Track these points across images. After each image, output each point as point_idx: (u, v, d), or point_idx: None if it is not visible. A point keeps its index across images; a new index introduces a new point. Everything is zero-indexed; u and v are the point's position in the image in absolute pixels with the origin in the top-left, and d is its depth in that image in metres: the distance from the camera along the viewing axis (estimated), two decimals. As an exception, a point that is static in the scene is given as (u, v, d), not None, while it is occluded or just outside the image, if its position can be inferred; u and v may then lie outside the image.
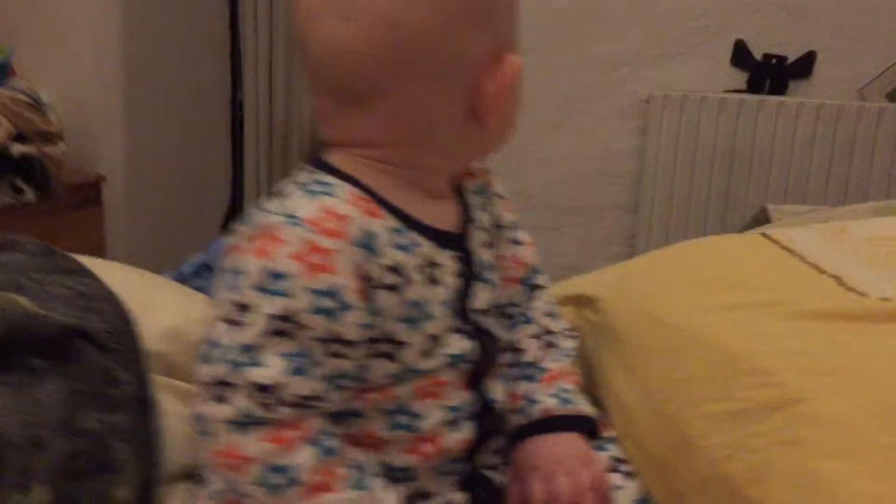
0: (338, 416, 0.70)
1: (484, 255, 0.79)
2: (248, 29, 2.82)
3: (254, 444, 0.63)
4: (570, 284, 1.08)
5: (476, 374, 0.77)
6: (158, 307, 0.97)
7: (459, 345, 0.74)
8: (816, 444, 0.73)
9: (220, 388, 0.64)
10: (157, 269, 1.18)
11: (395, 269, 0.68)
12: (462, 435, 0.75)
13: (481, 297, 0.77)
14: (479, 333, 0.76)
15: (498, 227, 0.85)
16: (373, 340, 0.68)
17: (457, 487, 0.78)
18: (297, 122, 2.78)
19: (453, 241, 0.75)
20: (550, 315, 0.90)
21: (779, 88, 2.40)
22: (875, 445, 0.72)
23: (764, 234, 1.06)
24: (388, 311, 0.68)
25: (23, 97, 2.23)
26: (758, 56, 2.40)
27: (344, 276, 0.64)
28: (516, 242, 0.89)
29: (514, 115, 0.76)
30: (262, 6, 2.78)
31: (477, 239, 0.79)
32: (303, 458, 0.64)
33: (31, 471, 0.70)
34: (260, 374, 0.63)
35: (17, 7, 2.43)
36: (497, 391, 0.80)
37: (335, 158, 0.73)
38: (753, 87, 2.41)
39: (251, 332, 0.63)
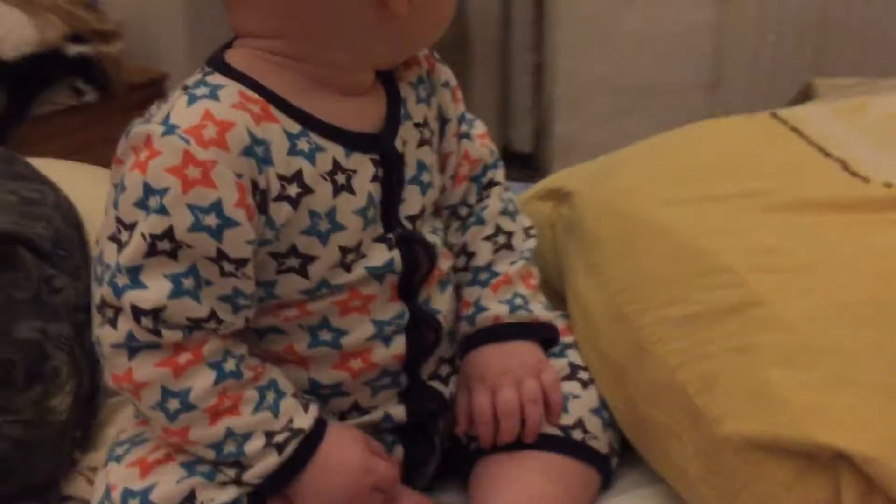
0: (257, 333, 0.69)
1: (418, 154, 0.73)
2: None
3: (146, 369, 0.62)
4: (555, 177, 0.99)
5: (407, 284, 0.72)
6: None
7: (381, 255, 0.69)
8: (769, 351, 0.67)
9: (108, 311, 0.62)
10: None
11: (294, 179, 0.63)
12: (393, 350, 0.72)
13: (411, 202, 0.72)
14: (406, 241, 0.71)
15: (444, 120, 0.78)
16: (279, 255, 0.65)
17: (397, 399, 0.74)
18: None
19: (372, 142, 0.68)
20: (507, 213, 0.83)
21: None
22: (835, 351, 0.65)
23: (773, 114, 0.93)
24: (292, 224, 0.64)
25: (76, -4, 2.25)
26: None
27: (226, 191, 0.60)
28: (467, 137, 0.81)
29: (439, 4, 0.68)
30: None
31: (408, 137, 0.72)
32: (199, 382, 0.62)
33: None
34: (140, 297, 0.60)
35: None
36: (438, 301, 0.75)
37: (234, 55, 0.67)
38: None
39: (131, 251, 0.60)
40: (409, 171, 0.72)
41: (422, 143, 0.73)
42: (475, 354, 0.78)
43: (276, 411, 0.65)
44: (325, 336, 0.69)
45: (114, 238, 0.61)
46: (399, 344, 0.72)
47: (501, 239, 0.81)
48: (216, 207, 0.60)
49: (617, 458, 0.78)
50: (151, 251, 0.60)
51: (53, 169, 0.99)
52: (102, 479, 0.67)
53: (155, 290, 0.60)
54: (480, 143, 0.82)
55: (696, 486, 0.69)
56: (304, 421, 0.66)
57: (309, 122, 0.65)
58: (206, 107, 0.61)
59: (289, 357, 0.69)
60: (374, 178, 0.68)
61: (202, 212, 0.59)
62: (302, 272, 0.66)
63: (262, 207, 0.62)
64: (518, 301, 0.79)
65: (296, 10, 0.63)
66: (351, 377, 0.71)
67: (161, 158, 0.59)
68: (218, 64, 0.66)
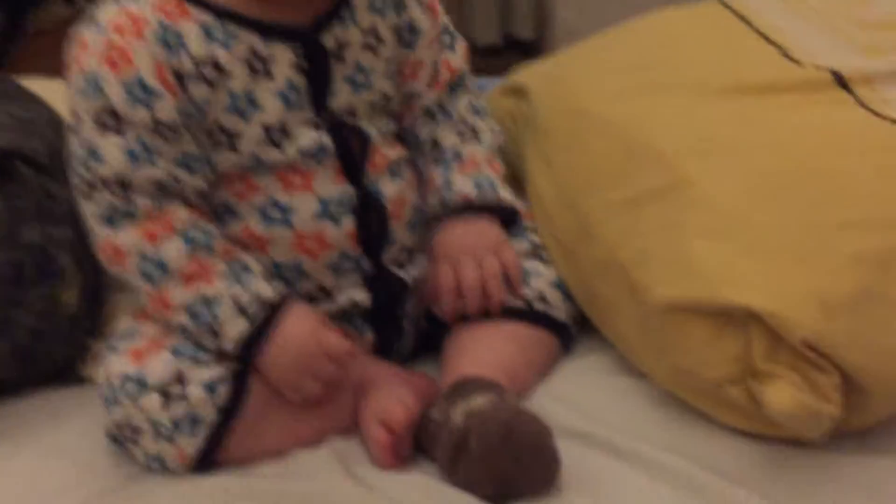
0: (217, 217, 0.77)
1: (359, 56, 0.78)
2: None
3: (125, 237, 0.72)
4: (516, 74, 1.03)
5: (351, 167, 0.78)
6: None
7: (309, 136, 0.76)
8: (694, 226, 0.74)
9: (85, 188, 0.73)
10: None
11: (208, 62, 0.72)
12: (344, 230, 0.77)
13: (340, 96, 0.78)
14: (336, 127, 0.77)
15: (414, 31, 0.83)
16: (209, 132, 0.74)
17: (361, 285, 0.80)
18: None
19: (292, 34, 0.75)
20: (476, 112, 0.88)
21: None
22: (750, 223, 0.72)
23: (720, 1, 0.97)
24: (212, 103, 0.73)
25: None
26: None
27: (145, 67, 0.70)
28: (450, 48, 0.87)
29: None
30: None
31: (349, 38, 0.77)
32: (171, 249, 0.72)
33: None
34: (105, 168, 0.71)
35: None
36: (386, 186, 0.80)
37: None
38: None
39: (85, 133, 0.72)
40: (345, 69, 0.77)
41: (365, 47, 0.78)
42: (441, 233, 0.83)
43: (244, 284, 0.73)
44: (275, 214, 0.76)
45: (71, 129, 0.73)
46: (349, 224, 0.78)
47: (468, 132, 0.86)
48: (140, 81, 0.70)
49: (576, 326, 0.85)
50: (100, 128, 0.71)
51: (43, 88, 1.05)
52: (103, 369, 0.76)
53: (114, 159, 0.71)
54: (460, 55, 0.88)
55: (636, 349, 0.78)
56: (269, 292, 0.73)
57: (225, 16, 0.73)
58: (124, 7, 0.72)
59: (249, 241, 0.76)
60: (297, 68, 0.75)
61: (130, 86, 0.70)
62: (231, 147, 0.74)
63: (182, 86, 0.72)
64: (484, 182, 0.84)
65: None
66: (311, 258, 0.77)
67: (90, 50, 0.71)
68: None
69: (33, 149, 0.90)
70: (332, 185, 0.77)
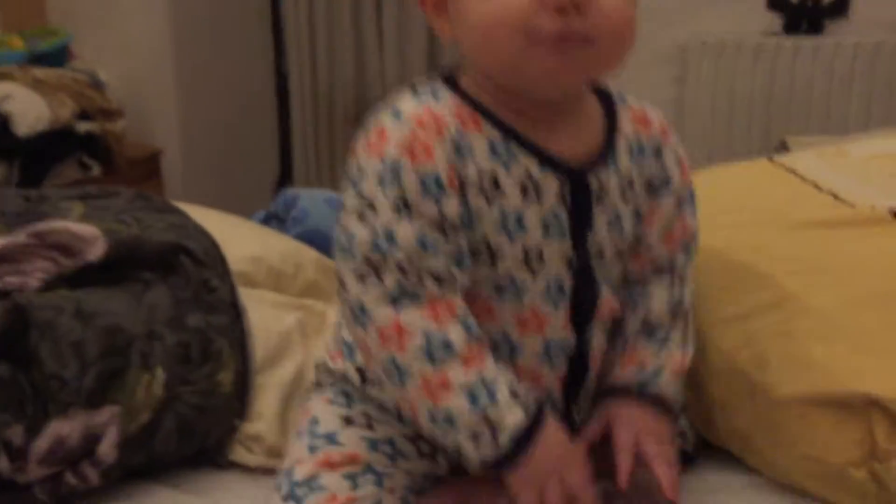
0: None
1: (617, 202, 0.79)
2: (289, 6, 2.91)
3: (410, 317, 0.71)
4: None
5: (577, 315, 0.78)
6: (239, 238, 1.16)
7: (559, 268, 0.76)
8: (807, 332, 0.84)
9: (369, 271, 0.72)
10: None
11: (489, 177, 0.73)
12: (556, 372, 0.79)
13: (600, 235, 0.78)
14: (582, 272, 0.78)
15: (666, 181, 0.82)
16: (474, 246, 0.74)
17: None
18: (341, 88, 2.87)
19: (563, 168, 0.76)
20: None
21: (815, 29, 2.40)
22: (858, 329, 0.83)
23: (769, 159, 1.12)
24: (485, 217, 0.74)
25: (83, 77, 2.37)
26: (793, -2, 2.40)
27: (442, 166, 0.72)
28: (689, 207, 0.85)
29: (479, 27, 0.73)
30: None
31: (609, 181, 0.78)
32: (455, 333, 0.71)
33: (151, 356, 0.87)
34: (399, 251, 0.71)
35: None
36: (596, 341, 0.80)
37: (464, 76, 0.78)
38: (790, 29, 2.42)
39: (383, 218, 0.71)
40: (605, 211, 0.78)
41: (622, 192, 0.79)
42: (631, 405, 0.81)
43: (507, 374, 0.73)
44: (504, 349, 0.77)
45: (358, 213, 0.72)
46: (561, 368, 0.79)
47: (682, 322, 0.84)
48: (436, 178, 0.71)
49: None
50: (396, 214, 0.71)
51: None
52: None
53: (407, 240, 0.71)
54: (693, 219, 0.86)
55: (756, 446, 0.85)
56: (529, 391, 0.73)
57: (511, 135, 0.75)
58: (426, 102, 0.74)
59: None
60: (560, 198, 0.76)
61: (426, 179, 0.71)
62: (491, 263, 0.75)
63: (462, 191, 0.73)
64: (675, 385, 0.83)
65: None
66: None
67: (391, 139, 0.72)
68: (447, 78, 0.77)
69: (191, 246, 0.99)
70: (560, 331, 0.78)
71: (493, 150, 0.74)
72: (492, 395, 0.71)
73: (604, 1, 0.70)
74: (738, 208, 1.02)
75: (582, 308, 0.78)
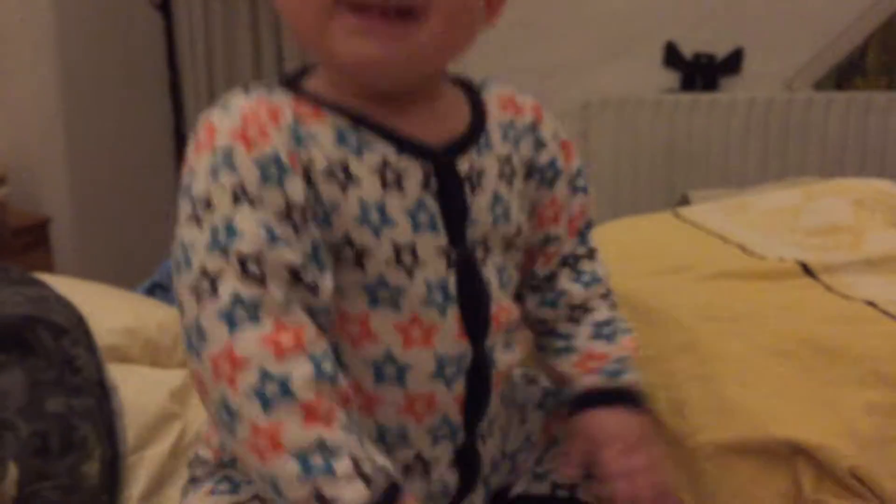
0: None
1: (496, 185, 0.72)
2: (186, 61, 2.84)
3: (247, 343, 0.59)
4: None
5: (471, 321, 0.70)
6: (111, 309, 1.06)
7: (438, 269, 0.68)
8: (724, 375, 0.82)
9: (206, 282, 0.60)
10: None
11: (339, 166, 0.65)
12: (452, 392, 0.70)
13: (479, 226, 0.70)
14: (465, 267, 0.70)
15: (556, 171, 0.76)
16: (335, 245, 0.65)
17: (452, 459, 0.73)
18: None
19: (425, 151, 0.68)
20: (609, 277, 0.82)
21: (711, 85, 2.46)
22: (770, 373, 0.82)
23: (674, 212, 1.11)
24: (342, 211, 0.65)
25: (-38, 143, 2.24)
26: (688, 56, 2.46)
27: (280, 145, 0.63)
28: (583, 191, 0.80)
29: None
30: (198, 37, 2.81)
31: (485, 165, 0.71)
32: (299, 370, 0.59)
33: (1, 450, 0.76)
34: (243, 243, 0.60)
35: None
36: (500, 354, 0.73)
37: (307, 78, 0.70)
38: (686, 85, 2.47)
39: (220, 211, 0.61)
40: (483, 198, 0.71)
41: (501, 175, 0.72)
42: (600, 413, 0.75)
43: (363, 444, 0.60)
44: (390, 370, 0.67)
45: (193, 217, 0.62)
46: (459, 387, 0.70)
47: (613, 298, 0.81)
48: (276, 158, 0.62)
49: None
50: (236, 204, 0.61)
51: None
52: None
53: (251, 233, 0.60)
54: (590, 200, 0.81)
55: (680, 496, 0.80)
56: (390, 465, 0.61)
57: (361, 122, 0.66)
58: (259, 95, 0.65)
59: (356, 399, 0.64)
60: (426, 187, 0.67)
61: (264, 163, 0.61)
62: (358, 263, 0.65)
63: (312, 182, 0.63)
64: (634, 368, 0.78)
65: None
66: (416, 422, 0.69)
67: (223, 126, 0.62)
68: (283, 80, 0.69)
69: (51, 319, 0.89)
70: (452, 342, 0.69)
71: (340, 137, 0.66)
72: (329, 465, 0.57)
73: None
74: (645, 258, 1.01)
75: (475, 315, 0.70)
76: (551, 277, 0.79)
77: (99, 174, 2.59)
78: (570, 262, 0.80)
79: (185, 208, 0.63)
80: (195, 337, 0.60)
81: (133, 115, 2.73)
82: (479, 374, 0.71)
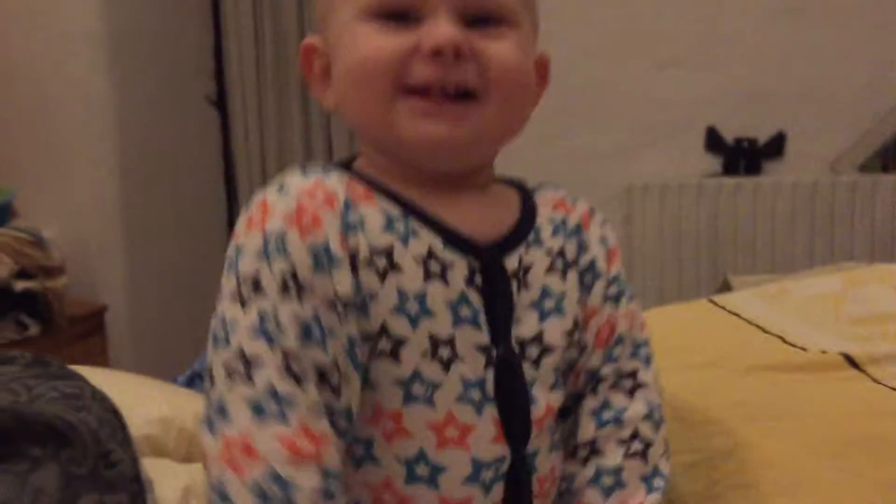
0: (355, 461, 0.66)
1: (545, 279, 0.70)
2: (241, 154, 2.94)
3: (266, 438, 0.58)
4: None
5: (509, 424, 0.67)
6: (148, 399, 1.08)
7: (476, 366, 0.66)
8: (768, 485, 0.79)
9: (242, 365, 0.60)
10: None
11: (383, 253, 0.64)
12: (490, 499, 0.67)
13: (526, 324, 0.68)
14: (506, 367, 0.67)
15: (595, 275, 0.74)
16: (371, 336, 0.64)
17: None
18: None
19: (472, 247, 0.67)
20: (650, 420, 0.73)
21: (753, 169, 2.46)
22: (818, 480, 0.78)
23: (711, 301, 1.11)
24: (380, 299, 0.63)
25: (24, 235, 2.33)
26: (729, 140, 2.47)
27: (332, 234, 0.62)
28: (616, 301, 0.75)
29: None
30: (252, 131, 2.91)
31: (533, 260, 0.70)
32: (307, 481, 0.58)
33: None
34: (286, 339, 0.60)
35: (17, 149, 2.56)
36: (542, 460, 0.69)
37: (359, 159, 0.71)
38: (729, 170, 2.48)
39: (268, 298, 0.60)
40: (531, 295, 0.69)
41: (552, 269, 0.70)
42: None
43: None
44: (423, 470, 0.65)
45: (237, 295, 0.61)
46: (497, 494, 0.67)
47: (637, 446, 0.72)
48: (327, 247, 0.61)
49: None
50: (282, 293, 0.60)
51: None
52: None
53: (295, 328, 0.60)
54: (632, 313, 0.76)
55: None
56: None
57: (410, 209, 0.66)
58: (316, 177, 0.65)
59: (386, 498, 0.65)
60: (470, 283, 0.66)
61: (316, 251, 0.61)
62: (394, 356, 0.64)
63: (355, 269, 0.63)
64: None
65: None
66: None
67: (275, 212, 0.62)
68: (341, 164, 0.70)
69: (84, 419, 0.91)
70: (489, 444, 0.66)
71: (389, 223, 0.65)
72: None
73: (492, 48, 0.63)
74: (680, 350, 0.99)
75: (514, 418, 0.67)
76: (576, 400, 0.74)
77: (154, 263, 2.67)
78: (592, 385, 0.74)
79: (229, 284, 0.63)
80: (216, 412, 0.60)
81: (188, 206, 2.82)
82: (519, 480, 0.68)
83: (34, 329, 2.26)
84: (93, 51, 2.45)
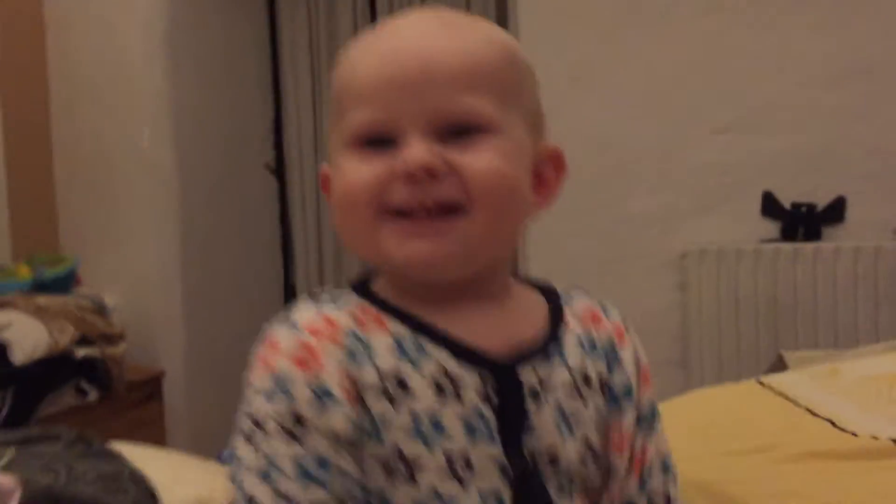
0: None
1: (564, 399, 0.68)
2: (297, 218, 2.99)
3: None
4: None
5: None
6: (186, 480, 1.10)
7: (492, 478, 0.65)
8: None
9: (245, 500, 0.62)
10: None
11: (393, 377, 0.64)
12: None
13: (542, 439, 0.67)
14: (525, 481, 0.66)
15: (627, 391, 0.71)
16: (386, 461, 0.64)
17: None
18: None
19: (484, 361, 0.66)
20: None
21: (813, 235, 2.41)
22: None
23: (759, 382, 1.07)
24: (393, 424, 0.64)
25: (87, 303, 2.40)
26: (787, 205, 2.43)
27: (331, 371, 0.63)
28: (650, 427, 0.73)
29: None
30: (309, 198, 2.96)
31: (551, 376, 0.68)
32: None
33: None
34: (289, 483, 0.61)
35: (83, 218, 2.65)
36: None
37: (376, 280, 0.71)
38: (787, 235, 2.43)
39: (271, 441, 0.62)
40: (549, 410, 0.68)
41: (573, 387, 0.69)
42: None
43: None
44: None
45: (247, 436, 0.63)
46: None
47: None
48: (327, 388, 0.62)
49: None
50: (282, 435, 0.62)
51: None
52: None
53: (295, 472, 0.61)
54: (662, 434, 0.74)
55: None
56: None
57: (421, 330, 0.66)
58: (323, 309, 0.66)
59: None
60: (484, 397, 0.66)
61: (315, 388, 0.62)
62: (410, 478, 0.64)
63: (362, 400, 0.63)
64: None
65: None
66: None
67: (283, 349, 0.64)
68: (356, 284, 0.70)
69: (118, 501, 0.92)
70: None
71: (399, 348, 0.65)
72: None
73: (469, 160, 0.63)
74: (726, 436, 0.96)
75: None
76: None
77: (212, 330, 2.71)
78: None
79: (242, 422, 0.65)
80: None
81: (246, 271, 2.87)
82: None
83: (93, 395, 2.30)
84: (158, 123, 2.54)
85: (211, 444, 2.68)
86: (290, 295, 3.02)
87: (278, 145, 3.02)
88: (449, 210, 0.64)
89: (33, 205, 2.60)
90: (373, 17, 2.89)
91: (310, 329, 0.65)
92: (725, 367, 2.41)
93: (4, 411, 2.10)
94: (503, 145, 0.65)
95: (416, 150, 0.63)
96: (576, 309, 0.73)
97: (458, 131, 0.65)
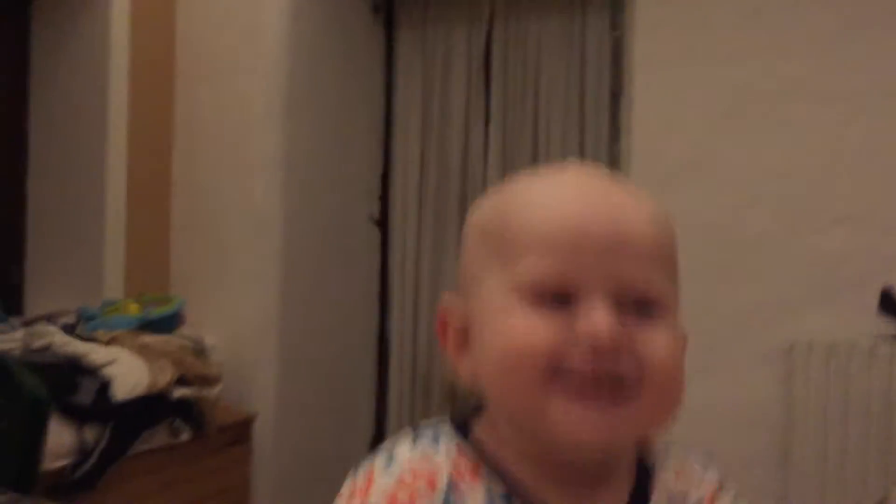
0: None
1: None
2: (396, 273, 3.01)
3: None
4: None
5: None
6: None
7: None
8: None
9: None
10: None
11: None
12: None
13: None
14: None
15: None
16: None
17: None
18: (439, 365, 2.89)
19: None
20: None
21: (935, 337, 2.28)
22: None
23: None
24: None
25: (188, 343, 2.47)
26: (907, 304, 2.30)
27: None
28: None
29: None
30: (410, 248, 2.98)
31: None
32: None
33: None
34: None
35: (192, 262, 2.73)
36: None
37: (478, 423, 0.70)
38: (905, 334, 2.30)
39: None
40: None
41: None
42: None
43: None
44: None
45: None
46: None
47: None
48: None
49: None
50: None
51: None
52: None
53: None
54: None
55: None
56: None
57: (516, 488, 0.65)
58: (423, 448, 0.66)
59: None
60: None
61: None
62: None
63: None
64: None
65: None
66: None
67: (379, 487, 0.64)
68: (457, 420, 0.69)
69: None
70: None
71: (490, 500, 0.64)
72: None
73: (648, 342, 0.60)
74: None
75: None
76: None
77: (305, 376, 2.74)
78: None
79: None
80: None
81: (342, 320, 2.90)
82: None
83: (186, 435, 2.35)
84: (270, 177, 2.61)
85: (295, 488, 2.71)
86: (382, 346, 3.03)
87: (384, 198, 3.06)
88: (621, 387, 0.60)
89: (149, 246, 2.70)
90: (487, 81, 2.90)
91: (409, 470, 0.64)
92: (830, 472, 2.29)
93: (103, 444, 2.17)
94: (672, 325, 0.63)
95: (604, 320, 0.60)
96: (670, 466, 0.70)
97: (639, 305, 0.62)
